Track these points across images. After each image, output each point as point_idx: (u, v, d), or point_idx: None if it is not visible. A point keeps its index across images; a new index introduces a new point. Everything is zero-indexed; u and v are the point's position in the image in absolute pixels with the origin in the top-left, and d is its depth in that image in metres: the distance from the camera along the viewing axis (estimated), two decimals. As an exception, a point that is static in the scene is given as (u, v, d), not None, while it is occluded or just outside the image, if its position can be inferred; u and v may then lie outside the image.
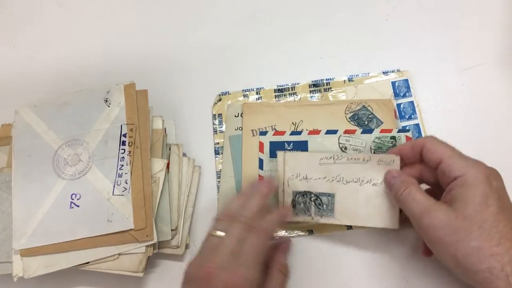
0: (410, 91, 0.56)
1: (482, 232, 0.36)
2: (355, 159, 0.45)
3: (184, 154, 0.55)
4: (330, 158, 0.46)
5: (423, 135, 0.54)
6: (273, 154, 0.53)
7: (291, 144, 0.53)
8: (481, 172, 0.38)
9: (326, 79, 0.58)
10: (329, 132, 0.53)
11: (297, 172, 0.47)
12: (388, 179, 0.44)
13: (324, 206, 0.46)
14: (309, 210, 0.47)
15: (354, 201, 0.46)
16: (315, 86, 0.58)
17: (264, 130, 0.55)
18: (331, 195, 0.46)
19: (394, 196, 0.42)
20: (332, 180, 0.46)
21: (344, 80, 0.58)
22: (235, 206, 0.42)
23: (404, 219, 0.44)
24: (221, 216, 0.42)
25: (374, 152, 0.52)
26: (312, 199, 0.46)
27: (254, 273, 0.38)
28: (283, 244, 0.48)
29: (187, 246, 0.51)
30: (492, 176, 0.38)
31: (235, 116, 0.56)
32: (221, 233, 0.40)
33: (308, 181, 0.46)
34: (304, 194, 0.47)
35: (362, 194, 0.45)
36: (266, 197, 0.44)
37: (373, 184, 0.45)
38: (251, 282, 0.38)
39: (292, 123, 0.55)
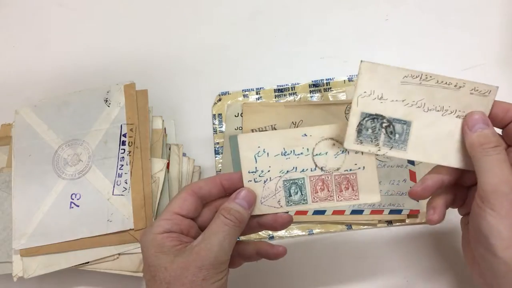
0: (410, 91, 0.56)
1: None
2: (446, 83, 0.38)
3: (184, 154, 0.55)
4: (417, 77, 0.38)
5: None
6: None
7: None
8: None
9: (326, 79, 0.58)
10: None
11: (372, 89, 0.38)
12: (474, 119, 0.37)
13: (397, 135, 0.38)
14: (378, 138, 0.38)
15: (433, 133, 0.38)
16: (315, 86, 0.58)
17: (264, 130, 0.55)
18: (407, 123, 0.38)
19: (476, 144, 0.36)
20: (412, 105, 0.38)
21: (344, 80, 0.58)
22: None
23: None
24: None
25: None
26: (384, 125, 0.38)
27: (159, 220, 0.38)
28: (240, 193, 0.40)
29: (187, 246, 0.51)
30: None
31: (235, 116, 0.56)
32: None
33: (383, 102, 0.38)
34: (375, 118, 0.38)
35: (444, 126, 0.38)
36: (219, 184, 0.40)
37: (457, 116, 0.38)
38: (152, 227, 0.37)
39: (292, 122, 0.55)
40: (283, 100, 0.58)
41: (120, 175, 0.49)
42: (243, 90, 0.59)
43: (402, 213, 0.51)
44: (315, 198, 0.39)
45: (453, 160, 0.38)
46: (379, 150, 0.39)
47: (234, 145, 0.55)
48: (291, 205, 0.40)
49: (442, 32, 0.60)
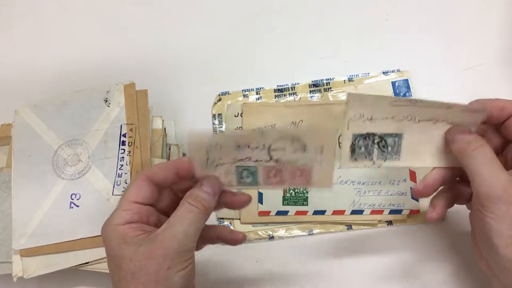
0: (410, 91, 0.56)
1: None
2: (437, 104, 0.39)
3: (184, 154, 0.55)
4: (407, 101, 0.39)
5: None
6: (273, 154, 0.53)
7: (291, 144, 0.53)
8: None
9: (326, 79, 0.58)
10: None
11: (362, 112, 0.39)
12: (452, 134, 0.38)
13: (389, 148, 0.40)
14: (371, 154, 0.40)
15: (426, 139, 0.39)
16: (315, 86, 0.58)
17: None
18: (398, 136, 0.40)
19: (460, 149, 0.37)
20: (402, 119, 0.39)
21: (344, 80, 0.58)
22: None
23: None
24: None
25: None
26: (376, 141, 0.40)
27: (118, 211, 0.37)
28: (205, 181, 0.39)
29: (187, 246, 0.51)
30: None
31: (235, 116, 0.56)
32: None
33: (373, 122, 0.39)
34: (366, 136, 0.40)
35: (435, 131, 0.39)
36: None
37: (450, 123, 0.39)
38: (112, 218, 0.37)
39: (292, 122, 0.55)
40: (283, 100, 0.58)
41: (120, 175, 0.49)
42: (243, 90, 0.59)
43: (402, 213, 0.51)
44: (267, 182, 0.39)
45: (447, 160, 0.39)
46: (374, 164, 0.40)
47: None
48: (241, 185, 0.39)
49: (442, 32, 0.60)
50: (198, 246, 0.41)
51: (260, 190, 0.41)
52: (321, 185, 0.39)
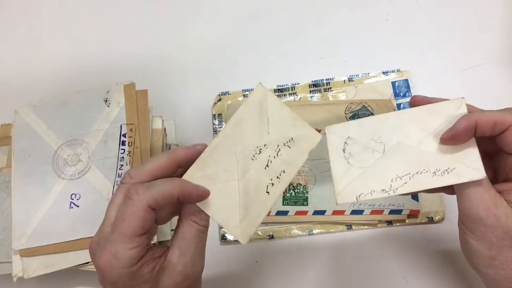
0: (410, 91, 0.56)
1: None
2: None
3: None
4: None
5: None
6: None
7: (291, 144, 0.53)
8: None
9: (326, 79, 0.58)
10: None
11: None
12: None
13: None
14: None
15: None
16: (315, 86, 0.58)
17: (264, 130, 0.55)
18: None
19: None
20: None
21: (344, 80, 0.58)
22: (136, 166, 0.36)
23: None
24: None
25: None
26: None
27: (125, 250, 0.32)
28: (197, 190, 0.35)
29: (187, 246, 0.51)
30: None
31: (235, 116, 0.56)
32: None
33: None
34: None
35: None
36: (174, 161, 0.35)
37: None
38: (120, 261, 0.32)
39: (292, 123, 0.55)
40: (283, 100, 0.57)
41: (120, 175, 0.49)
42: (243, 90, 0.59)
43: (402, 213, 0.51)
44: None
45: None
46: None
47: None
48: None
49: (442, 32, 0.60)
50: (167, 218, 0.38)
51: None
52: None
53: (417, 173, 0.36)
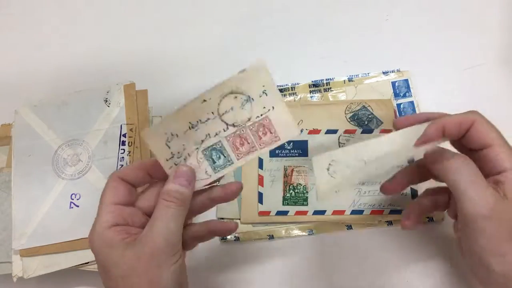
0: (410, 91, 0.56)
1: None
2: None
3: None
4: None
5: (423, 135, 0.54)
6: (272, 153, 0.53)
7: (291, 143, 0.53)
8: None
9: (326, 79, 0.58)
10: (329, 131, 0.53)
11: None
12: (431, 150, 0.37)
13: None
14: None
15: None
16: (315, 86, 0.58)
17: (264, 130, 0.55)
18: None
19: (441, 167, 0.37)
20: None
21: (344, 80, 0.58)
22: None
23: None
24: None
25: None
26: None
27: (100, 216, 0.37)
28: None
29: (187, 246, 0.51)
30: None
31: (235, 116, 0.56)
32: None
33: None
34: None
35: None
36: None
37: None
38: (96, 225, 0.37)
39: (292, 123, 0.55)
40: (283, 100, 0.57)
41: (120, 175, 0.49)
42: (243, 90, 0.58)
43: (402, 213, 0.51)
44: (239, 155, 0.39)
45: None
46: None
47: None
48: (218, 170, 0.39)
49: (442, 32, 0.60)
50: (192, 245, 0.41)
51: (239, 166, 0.39)
52: (288, 134, 0.38)
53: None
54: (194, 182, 0.38)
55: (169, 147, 0.38)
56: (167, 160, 0.38)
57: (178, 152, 0.38)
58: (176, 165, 0.38)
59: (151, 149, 0.38)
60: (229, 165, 0.39)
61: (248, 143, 0.38)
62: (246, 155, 0.39)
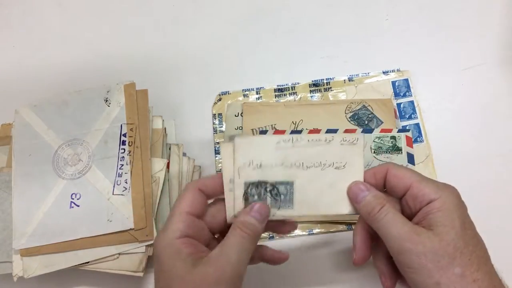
0: (410, 91, 0.56)
1: (463, 258, 0.34)
2: (316, 140, 0.40)
3: (184, 154, 0.54)
4: (289, 141, 0.40)
5: (423, 134, 0.54)
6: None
7: (291, 143, 0.53)
8: (455, 195, 0.37)
9: (326, 79, 0.58)
10: (329, 131, 0.53)
11: (250, 159, 0.40)
12: (354, 192, 0.39)
13: (282, 196, 0.40)
14: (265, 202, 0.40)
15: (316, 188, 0.40)
16: (315, 85, 0.58)
17: (264, 129, 0.55)
18: (289, 183, 0.40)
19: (365, 214, 0.38)
20: (291, 166, 0.40)
21: (344, 80, 0.58)
22: None
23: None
24: None
25: (374, 152, 0.52)
26: (268, 189, 0.40)
27: (172, 224, 0.37)
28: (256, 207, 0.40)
29: (187, 246, 0.51)
30: (460, 198, 0.37)
31: (235, 115, 0.56)
32: None
33: (263, 169, 0.40)
34: (258, 184, 0.40)
35: (325, 179, 0.40)
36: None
37: (335, 168, 0.40)
38: (165, 231, 0.37)
39: (292, 122, 0.55)
40: (283, 100, 0.58)
41: (120, 175, 0.49)
42: (243, 90, 0.59)
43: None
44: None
45: (340, 207, 0.40)
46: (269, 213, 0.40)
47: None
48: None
49: (442, 32, 0.60)
50: (219, 226, 0.41)
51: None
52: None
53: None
54: (267, 219, 0.39)
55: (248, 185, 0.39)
56: (229, 181, 0.39)
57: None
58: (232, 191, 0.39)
59: (225, 163, 0.39)
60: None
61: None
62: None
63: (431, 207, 0.36)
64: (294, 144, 0.40)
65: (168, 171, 0.52)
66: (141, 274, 0.47)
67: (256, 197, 0.39)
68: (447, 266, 0.34)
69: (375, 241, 0.40)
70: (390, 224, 0.36)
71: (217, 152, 0.56)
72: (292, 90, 0.58)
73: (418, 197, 0.37)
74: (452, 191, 0.36)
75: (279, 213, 0.40)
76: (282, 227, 0.42)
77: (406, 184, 0.37)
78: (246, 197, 0.40)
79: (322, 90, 0.58)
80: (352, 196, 0.39)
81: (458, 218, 0.35)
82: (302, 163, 0.40)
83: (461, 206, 0.36)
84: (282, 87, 0.58)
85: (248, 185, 0.40)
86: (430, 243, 0.35)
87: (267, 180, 0.40)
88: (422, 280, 0.35)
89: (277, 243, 0.52)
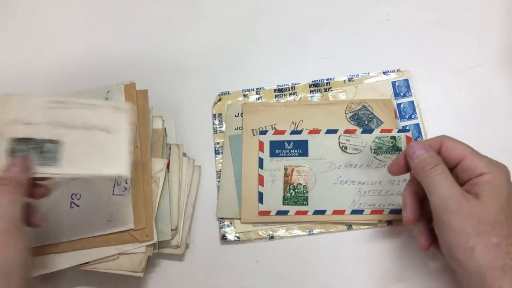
0: (410, 91, 0.56)
1: (503, 230, 0.36)
2: (88, 104, 0.42)
3: (184, 154, 0.55)
4: (62, 103, 0.42)
5: (423, 135, 0.54)
6: (273, 154, 0.53)
7: (291, 143, 0.53)
8: (505, 172, 0.39)
9: (326, 79, 0.58)
10: (329, 131, 0.53)
11: (16, 116, 0.41)
12: (413, 149, 0.41)
13: (48, 154, 0.41)
14: (28, 157, 0.40)
15: (84, 149, 0.41)
16: (315, 86, 0.58)
17: (264, 129, 0.55)
18: (57, 143, 0.41)
19: (418, 169, 0.40)
20: (60, 126, 0.41)
21: (344, 80, 0.58)
22: None
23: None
24: None
25: (374, 153, 0.52)
26: (33, 146, 0.41)
27: None
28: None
29: (187, 246, 0.51)
30: (510, 176, 0.39)
31: (235, 116, 0.56)
32: None
33: (30, 126, 0.41)
34: (25, 141, 0.41)
35: (93, 141, 0.42)
36: None
37: (104, 131, 0.42)
38: None
39: (292, 122, 0.55)
40: (283, 100, 0.58)
41: (120, 175, 0.49)
42: (243, 90, 0.59)
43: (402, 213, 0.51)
44: None
45: (106, 169, 0.41)
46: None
47: (234, 144, 0.55)
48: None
49: (442, 32, 0.60)
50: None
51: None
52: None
53: None
54: (28, 173, 0.39)
55: None
56: None
57: None
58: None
59: None
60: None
61: None
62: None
63: (480, 179, 0.38)
64: (66, 106, 0.42)
65: (168, 171, 0.52)
66: (141, 275, 0.47)
67: (21, 153, 0.40)
68: (485, 234, 0.36)
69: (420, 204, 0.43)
70: (440, 182, 0.38)
71: (217, 152, 0.56)
72: (292, 90, 0.58)
73: (469, 169, 0.39)
74: (503, 169, 0.39)
75: (43, 170, 0.40)
76: (36, 190, 0.42)
77: (460, 156, 0.40)
78: (11, 153, 0.40)
79: (322, 90, 0.58)
80: (410, 152, 0.41)
81: (504, 193, 0.38)
82: (72, 124, 0.41)
83: (509, 184, 0.39)
84: (282, 87, 0.58)
85: (13, 141, 0.40)
86: (475, 209, 0.37)
87: (33, 137, 0.41)
88: (458, 242, 0.37)
89: (276, 243, 0.52)
